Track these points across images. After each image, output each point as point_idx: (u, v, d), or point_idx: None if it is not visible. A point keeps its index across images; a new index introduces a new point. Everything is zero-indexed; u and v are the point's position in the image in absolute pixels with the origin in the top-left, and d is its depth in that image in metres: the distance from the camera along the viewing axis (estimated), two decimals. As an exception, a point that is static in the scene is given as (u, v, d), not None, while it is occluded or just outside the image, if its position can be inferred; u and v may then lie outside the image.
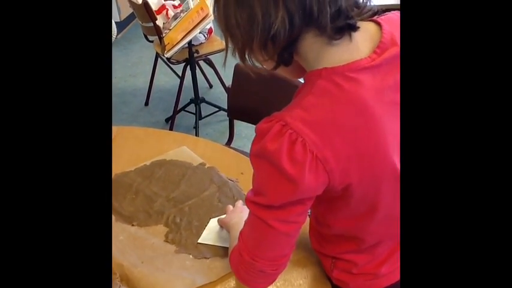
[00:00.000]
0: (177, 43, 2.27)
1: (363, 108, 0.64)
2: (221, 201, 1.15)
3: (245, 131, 2.57)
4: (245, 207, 1.02)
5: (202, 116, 2.73)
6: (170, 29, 2.42)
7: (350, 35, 0.65)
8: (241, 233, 0.75)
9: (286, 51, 0.66)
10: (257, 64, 0.71)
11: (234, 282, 0.94)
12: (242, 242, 0.74)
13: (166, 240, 1.04)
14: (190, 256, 1.00)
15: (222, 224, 1.03)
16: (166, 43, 2.34)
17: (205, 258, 0.99)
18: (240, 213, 0.98)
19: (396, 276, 0.85)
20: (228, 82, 2.96)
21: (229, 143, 1.83)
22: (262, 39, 0.64)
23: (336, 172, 0.64)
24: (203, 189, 1.19)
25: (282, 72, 0.73)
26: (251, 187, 1.16)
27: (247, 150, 1.69)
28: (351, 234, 0.81)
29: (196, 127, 2.59)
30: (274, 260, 0.72)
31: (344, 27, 0.63)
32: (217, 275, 0.95)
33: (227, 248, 1.00)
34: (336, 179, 0.65)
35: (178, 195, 1.18)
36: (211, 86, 3.15)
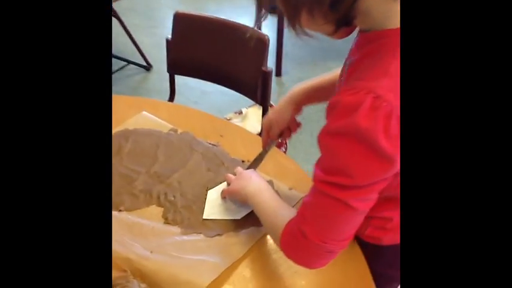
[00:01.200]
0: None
1: None
2: (211, 170, 1.05)
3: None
4: (251, 171, 0.94)
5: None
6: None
7: None
8: (302, 214, 0.68)
9: (351, 10, 0.58)
10: (308, 31, 0.63)
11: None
12: (308, 224, 0.67)
13: (166, 222, 0.93)
14: (201, 235, 0.90)
15: (229, 194, 0.94)
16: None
17: (219, 235, 0.90)
18: (251, 180, 0.89)
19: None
20: (134, 32, 2.72)
21: (170, 100, 1.67)
22: None
23: None
24: (186, 158, 1.07)
25: (324, 32, 0.65)
26: (233, 150, 1.07)
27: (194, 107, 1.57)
28: (394, 195, 0.78)
29: (108, 85, 2.33)
30: (345, 240, 0.67)
31: None
32: (240, 252, 0.87)
33: (237, 220, 0.92)
34: None
35: (160, 168, 1.04)
36: (109, 38, 2.84)
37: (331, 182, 0.62)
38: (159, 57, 2.58)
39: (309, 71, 2.96)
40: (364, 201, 0.63)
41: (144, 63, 2.73)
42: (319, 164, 0.65)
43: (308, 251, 0.68)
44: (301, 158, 2.33)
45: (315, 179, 0.64)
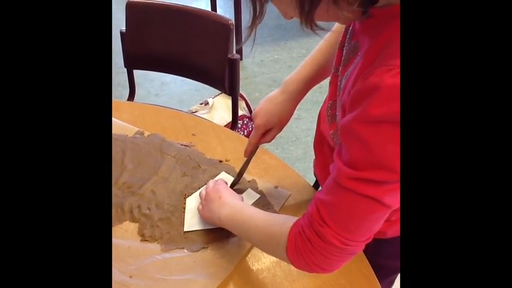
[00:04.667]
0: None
1: None
2: (187, 174, 0.95)
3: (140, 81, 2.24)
4: (222, 186, 0.84)
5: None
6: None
7: None
8: (318, 214, 0.59)
9: None
10: (321, 23, 0.55)
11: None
12: (327, 226, 0.58)
13: (144, 239, 0.83)
14: (185, 251, 0.81)
15: (205, 219, 0.84)
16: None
17: (204, 248, 0.81)
18: (221, 201, 0.79)
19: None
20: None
21: (130, 100, 1.55)
22: None
23: None
24: (157, 164, 0.97)
25: (347, 18, 0.56)
26: (208, 149, 0.97)
27: (159, 103, 1.45)
28: None
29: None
30: (368, 239, 0.59)
31: None
32: (231, 265, 0.78)
33: (221, 228, 0.83)
34: None
35: (130, 178, 0.94)
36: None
37: (364, 178, 0.53)
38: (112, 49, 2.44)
39: (271, 51, 2.87)
40: (395, 197, 0.55)
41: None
42: (344, 158, 0.55)
43: (326, 256, 0.59)
44: (271, 144, 2.26)
45: (340, 175, 0.55)
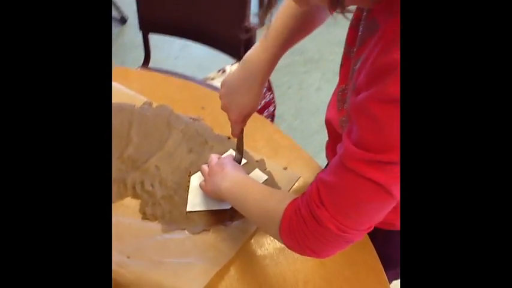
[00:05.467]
0: None
1: None
2: (193, 151, 0.92)
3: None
4: (228, 159, 0.80)
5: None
6: None
7: None
8: (317, 195, 0.55)
9: None
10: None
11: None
12: (325, 209, 0.53)
13: (145, 218, 0.80)
14: (186, 232, 0.78)
15: (207, 193, 0.80)
16: None
17: (206, 230, 0.79)
18: (224, 173, 0.75)
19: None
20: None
21: (146, 64, 1.50)
22: None
23: None
24: (164, 138, 0.94)
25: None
26: (217, 124, 0.92)
27: (177, 70, 1.39)
28: None
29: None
30: (368, 229, 0.55)
31: None
32: (232, 250, 0.76)
33: (226, 210, 0.80)
34: None
35: (134, 152, 0.91)
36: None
37: (371, 160, 0.48)
38: (134, 9, 2.40)
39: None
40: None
41: (118, 16, 2.52)
42: (353, 137, 0.51)
43: (319, 239, 0.55)
44: (291, 115, 2.21)
45: (346, 155, 0.51)
